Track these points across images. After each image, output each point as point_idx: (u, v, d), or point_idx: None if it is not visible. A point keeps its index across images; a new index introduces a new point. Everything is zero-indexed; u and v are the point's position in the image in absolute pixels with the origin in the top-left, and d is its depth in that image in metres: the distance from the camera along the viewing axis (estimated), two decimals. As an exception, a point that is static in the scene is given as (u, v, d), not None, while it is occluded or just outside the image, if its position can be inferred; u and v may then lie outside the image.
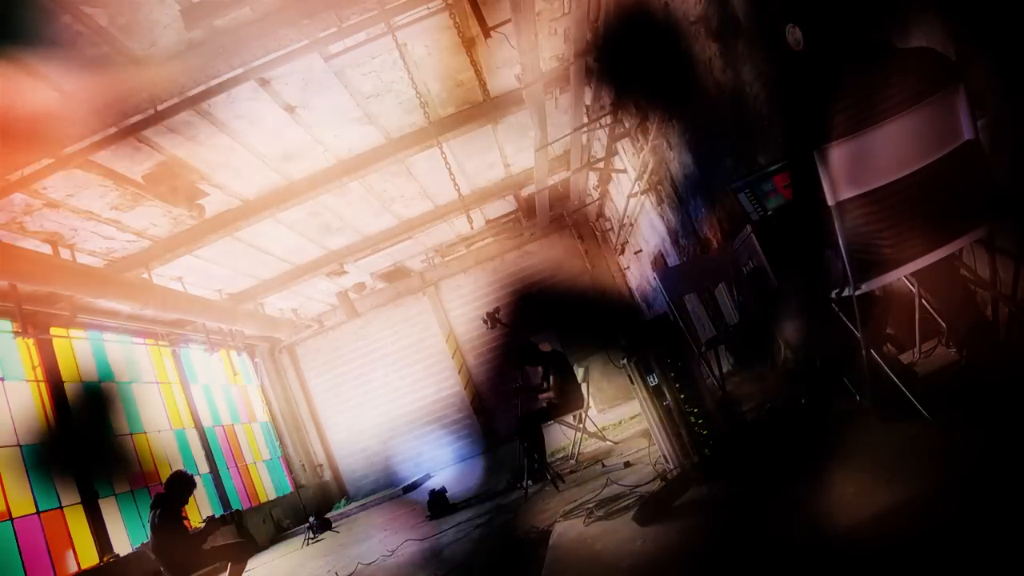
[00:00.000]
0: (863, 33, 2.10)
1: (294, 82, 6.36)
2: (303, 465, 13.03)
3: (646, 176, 8.25)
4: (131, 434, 8.70)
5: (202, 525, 5.27)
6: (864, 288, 2.07)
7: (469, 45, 6.53)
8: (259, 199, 8.36)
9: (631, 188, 9.04)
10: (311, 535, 7.99)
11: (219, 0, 4.83)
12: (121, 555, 7.21)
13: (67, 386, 7.92)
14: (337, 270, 11.85)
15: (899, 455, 1.91)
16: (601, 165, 10.01)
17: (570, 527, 2.87)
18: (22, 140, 5.33)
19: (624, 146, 8.87)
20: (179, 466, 8.47)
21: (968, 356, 2.35)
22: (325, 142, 7.67)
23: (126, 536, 7.64)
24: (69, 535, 6.92)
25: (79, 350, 8.53)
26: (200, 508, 9.07)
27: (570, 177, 10.54)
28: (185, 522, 5.33)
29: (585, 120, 8.52)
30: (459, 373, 13.65)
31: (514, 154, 10.04)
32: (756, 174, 3.31)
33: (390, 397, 13.74)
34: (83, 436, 7.76)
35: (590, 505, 3.05)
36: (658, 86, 6.41)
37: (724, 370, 5.69)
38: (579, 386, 6.14)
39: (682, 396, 2.67)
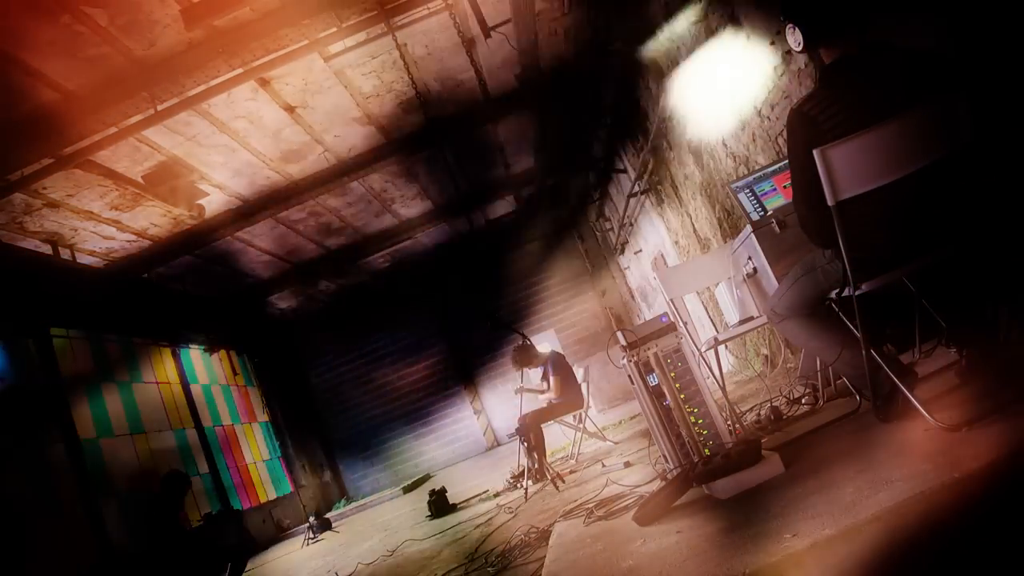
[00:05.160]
0: (864, 33, 2.10)
1: (294, 82, 6.37)
2: (303, 465, 13.02)
3: (646, 176, 8.25)
4: (131, 434, 8.70)
5: (200, 523, 5.27)
6: (864, 288, 2.07)
7: (469, 45, 6.53)
8: (259, 199, 8.37)
9: (631, 188, 9.04)
10: (311, 535, 7.98)
11: (219, 0, 4.84)
12: (121, 555, 7.20)
13: (67, 387, 7.91)
14: (337, 270, 11.86)
15: (899, 455, 1.91)
16: (601, 165, 10.02)
17: (570, 527, 2.86)
18: (22, 140, 5.33)
19: (624, 146, 8.87)
20: (179, 466, 8.47)
21: (968, 356, 2.35)
22: (325, 142, 7.68)
23: (126, 536, 7.63)
24: (69, 535, 6.91)
25: (78, 351, 8.52)
26: (199, 508, 9.06)
27: (570, 176, 10.54)
28: (183, 522, 5.33)
29: (585, 120, 8.52)
30: (459, 373, 13.65)
31: (514, 154, 10.05)
32: (756, 174, 3.31)
33: (390, 397, 13.74)
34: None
35: (590, 505, 3.05)
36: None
37: (724, 370, 5.69)
38: (579, 386, 6.15)
39: (682, 396, 2.67)
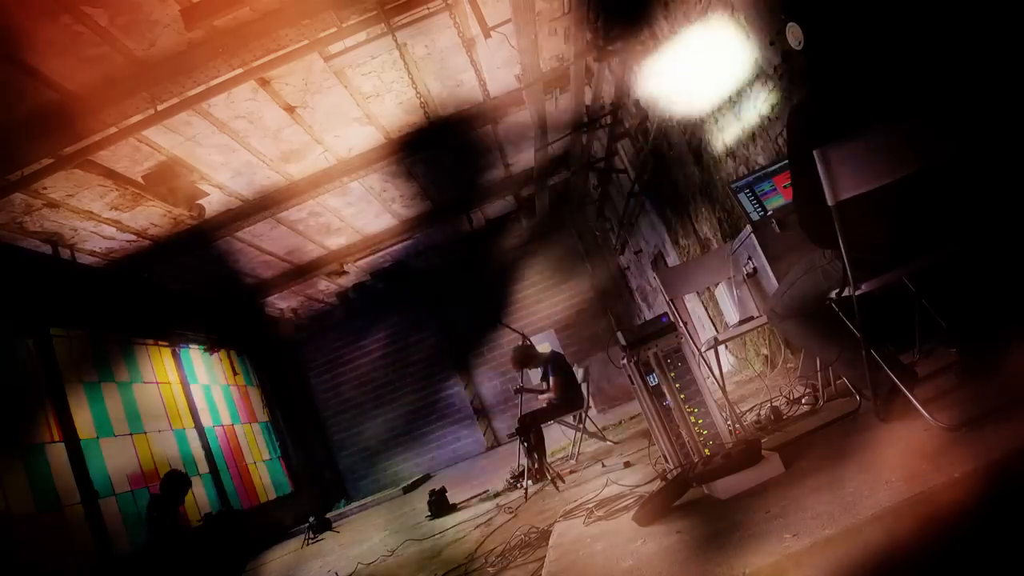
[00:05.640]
0: (866, 33, 2.10)
1: (294, 82, 6.36)
2: (303, 465, 13.02)
3: (646, 176, 8.25)
4: (131, 434, 8.70)
5: (200, 523, 5.28)
6: (864, 288, 2.07)
7: (469, 45, 6.53)
8: (259, 199, 8.37)
9: (631, 188, 9.04)
10: (311, 535, 7.98)
11: (219, 0, 4.84)
12: (121, 555, 7.21)
13: (67, 387, 7.91)
14: (337, 270, 11.86)
15: (899, 455, 1.91)
16: (601, 165, 10.01)
17: (570, 527, 2.86)
18: (22, 140, 5.33)
19: (624, 146, 8.87)
20: (179, 466, 8.46)
21: (968, 356, 2.35)
22: (325, 142, 7.68)
23: (126, 536, 7.64)
24: (69, 535, 6.91)
25: (79, 351, 8.52)
26: (199, 508, 9.06)
27: (570, 177, 10.54)
28: (183, 522, 5.33)
29: (585, 120, 8.52)
30: (459, 373, 13.65)
31: (514, 154, 10.05)
32: (756, 174, 3.31)
33: (390, 397, 13.74)
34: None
35: (590, 505, 3.05)
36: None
37: (724, 370, 5.69)
38: (579, 386, 6.15)
39: (682, 396, 2.67)
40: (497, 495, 5.81)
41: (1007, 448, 1.60)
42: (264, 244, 9.85)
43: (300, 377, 14.00)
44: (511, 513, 4.48)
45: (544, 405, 6.07)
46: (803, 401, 3.35)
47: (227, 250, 9.52)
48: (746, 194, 3.25)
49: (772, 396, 3.65)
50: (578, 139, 9.00)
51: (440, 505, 6.02)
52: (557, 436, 6.68)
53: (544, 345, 12.64)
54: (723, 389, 3.21)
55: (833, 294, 2.25)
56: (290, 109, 6.76)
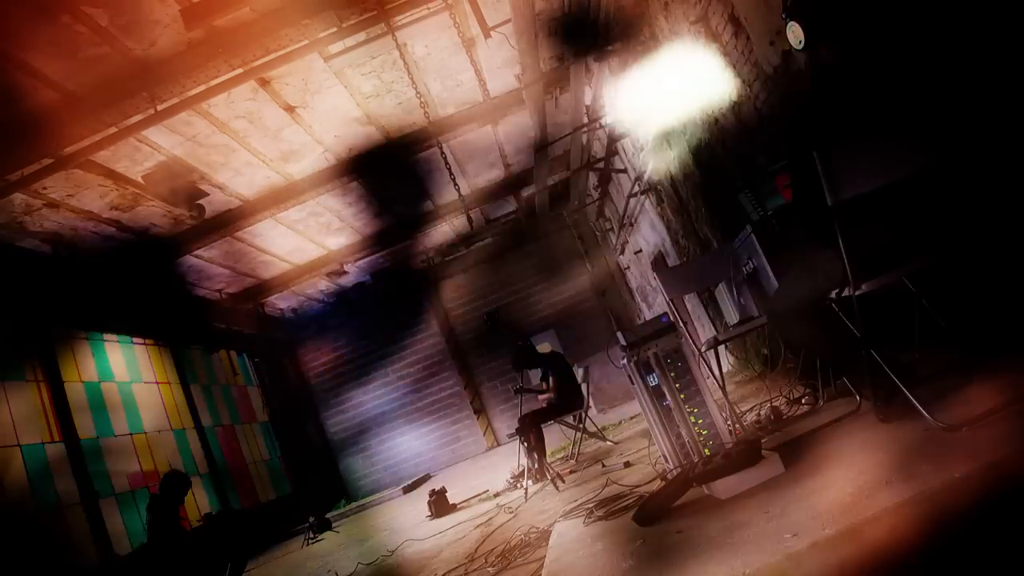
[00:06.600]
0: (864, 32, 2.10)
1: (294, 82, 6.36)
2: (303, 465, 13.02)
3: (646, 176, 8.25)
4: (131, 434, 8.70)
5: (200, 523, 5.27)
6: (864, 288, 2.07)
7: (469, 45, 6.53)
8: (259, 199, 8.37)
9: (631, 188, 9.04)
10: (311, 535, 7.98)
11: (219, 0, 4.84)
12: (121, 555, 7.20)
13: (67, 387, 7.91)
14: (337, 270, 11.86)
15: (899, 455, 1.91)
16: (601, 165, 10.01)
17: (570, 527, 2.86)
18: (22, 140, 5.33)
19: (624, 146, 8.86)
20: (179, 466, 8.46)
21: (967, 357, 2.35)
22: (325, 142, 7.68)
23: (126, 536, 7.64)
24: (69, 535, 6.91)
25: (79, 350, 8.52)
26: (199, 508, 9.06)
27: (570, 177, 10.54)
28: (183, 522, 5.33)
29: (585, 120, 8.51)
30: (459, 373, 13.65)
31: (514, 154, 10.04)
32: (756, 174, 3.31)
33: (390, 397, 13.74)
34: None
35: (590, 505, 3.05)
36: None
37: (724, 370, 5.68)
38: (579, 386, 6.15)
39: (682, 396, 2.67)
40: (497, 495, 5.81)
41: (1007, 448, 1.60)
42: (264, 244, 9.85)
43: (300, 377, 14.00)
44: (511, 513, 4.48)
45: (544, 405, 6.07)
46: (803, 401, 3.35)
47: (227, 251, 9.52)
48: (746, 194, 3.25)
49: (772, 396, 3.65)
50: (578, 139, 9.00)
51: (440, 505, 6.02)
52: (557, 436, 6.68)
53: (544, 345, 12.64)
54: (723, 389, 3.21)
55: (833, 294, 2.25)
56: (290, 109, 6.76)
